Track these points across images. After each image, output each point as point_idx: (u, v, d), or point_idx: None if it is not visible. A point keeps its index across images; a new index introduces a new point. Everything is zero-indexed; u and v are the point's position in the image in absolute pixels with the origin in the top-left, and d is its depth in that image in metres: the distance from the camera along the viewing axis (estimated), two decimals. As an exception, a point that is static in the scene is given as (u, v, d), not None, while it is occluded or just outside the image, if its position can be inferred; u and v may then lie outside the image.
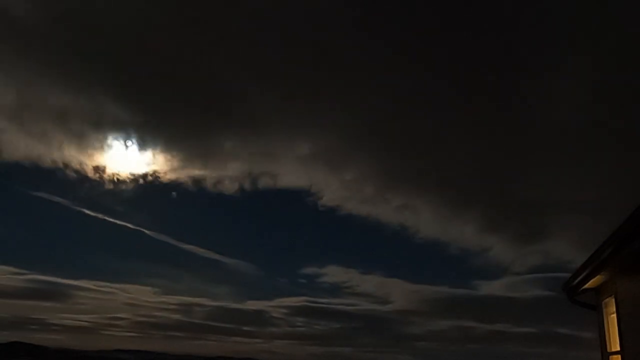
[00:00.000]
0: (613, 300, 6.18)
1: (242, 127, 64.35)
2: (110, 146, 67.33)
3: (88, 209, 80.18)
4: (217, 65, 52.88)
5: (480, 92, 46.39)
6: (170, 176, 72.11)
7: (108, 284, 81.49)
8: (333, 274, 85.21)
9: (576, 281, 6.52)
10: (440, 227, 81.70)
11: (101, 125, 68.00)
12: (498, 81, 43.24)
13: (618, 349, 6.08)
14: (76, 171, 69.20)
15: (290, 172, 74.64)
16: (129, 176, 70.74)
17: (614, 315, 6.17)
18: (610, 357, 6.66)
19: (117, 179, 71.36)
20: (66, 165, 68.11)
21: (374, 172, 70.23)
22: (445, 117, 53.31)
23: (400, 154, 63.52)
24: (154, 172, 70.75)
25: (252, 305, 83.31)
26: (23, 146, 67.63)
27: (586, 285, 6.62)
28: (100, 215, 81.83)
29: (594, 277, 6.06)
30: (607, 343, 6.78)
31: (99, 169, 69.45)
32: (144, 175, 71.30)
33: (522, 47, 42.10)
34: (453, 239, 78.30)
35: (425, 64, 46.47)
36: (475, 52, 44.48)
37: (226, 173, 75.25)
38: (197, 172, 73.43)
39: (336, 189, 75.58)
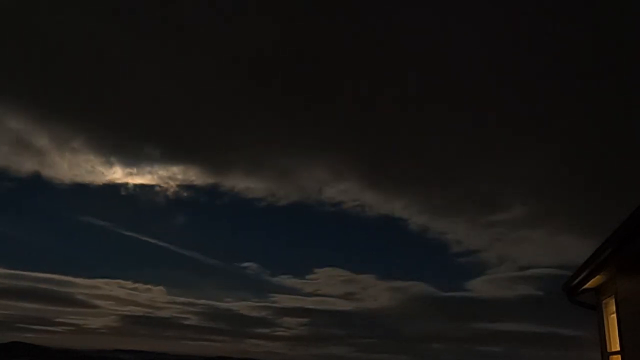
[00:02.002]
0: (613, 300, 6.18)
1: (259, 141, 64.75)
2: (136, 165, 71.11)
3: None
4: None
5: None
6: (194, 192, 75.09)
7: (110, 283, 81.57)
8: (332, 276, 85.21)
9: (576, 281, 6.51)
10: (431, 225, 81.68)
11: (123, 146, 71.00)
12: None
13: (618, 349, 6.08)
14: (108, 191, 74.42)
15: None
16: (156, 193, 74.23)
17: (614, 315, 6.16)
18: (610, 357, 6.66)
19: (145, 196, 75.45)
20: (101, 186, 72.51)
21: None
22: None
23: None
24: (179, 188, 74.34)
25: (253, 306, 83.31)
26: (67, 171, 71.30)
27: (586, 285, 6.62)
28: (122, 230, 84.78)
29: (594, 277, 6.06)
30: (607, 343, 6.78)
31: (127, 189, 74.16)
32: (170, 192, 75.02)
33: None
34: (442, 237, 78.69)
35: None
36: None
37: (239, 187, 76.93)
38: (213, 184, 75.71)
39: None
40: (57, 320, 79.53)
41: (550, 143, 47.31)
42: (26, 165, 76.12)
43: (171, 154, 77.45)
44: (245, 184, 77.12)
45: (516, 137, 50.19)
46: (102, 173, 77.13)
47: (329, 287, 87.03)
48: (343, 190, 75.71)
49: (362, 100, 52.59)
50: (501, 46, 39.90)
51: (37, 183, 79.63)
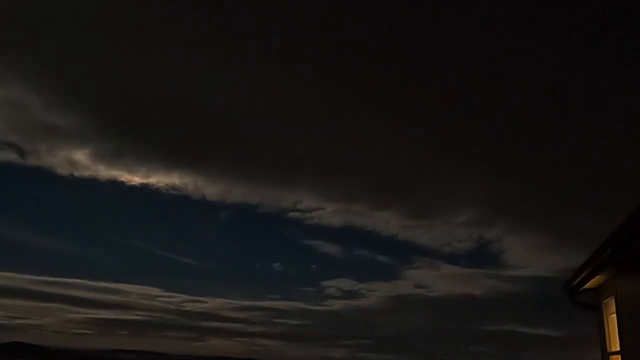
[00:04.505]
0: (613, 300, 6.18)
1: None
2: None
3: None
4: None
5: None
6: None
7: (111, 284, 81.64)
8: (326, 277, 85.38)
9: (576, 281, 6.51)
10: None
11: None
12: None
13: (618, 349, 6.08)
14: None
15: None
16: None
17: (614, 316, 6.17)
18: (610, 357, 6.66)
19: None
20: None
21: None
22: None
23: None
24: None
25: (252, 306, 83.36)
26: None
27: (586, 286, 6.61)
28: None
29: (594, 277, 6.05)
30: (607, 343, 6.78)
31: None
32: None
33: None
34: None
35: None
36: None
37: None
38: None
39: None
40: (58, 320, 79.52)
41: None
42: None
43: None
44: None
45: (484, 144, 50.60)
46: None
47: (326, 289, 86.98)
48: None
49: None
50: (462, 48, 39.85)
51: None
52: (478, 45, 38.63)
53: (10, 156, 73.11)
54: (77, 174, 74.58)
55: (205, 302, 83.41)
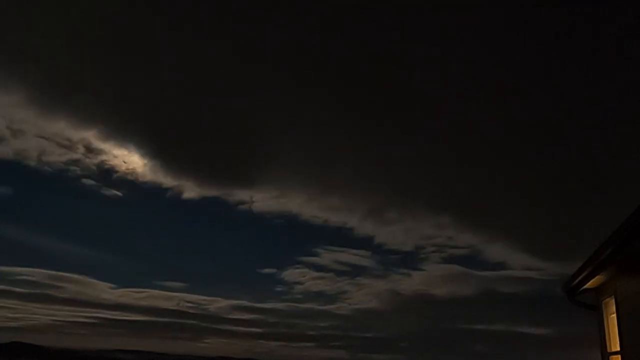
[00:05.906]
0: (613, 300, 6.18)
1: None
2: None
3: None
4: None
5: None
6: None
7: (111, 285, 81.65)
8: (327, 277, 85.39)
9: (576, 281, 6.51)
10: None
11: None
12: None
13: (618, 349, 6.09)
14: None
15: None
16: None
17: (614, 316, 6.17)
18: (610, 357, 6.66)
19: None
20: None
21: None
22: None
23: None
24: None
25: (252, 307, 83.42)
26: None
27: (586, 286, 6.62)
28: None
29: (594, 277, 6.06)
30: (607, 343, 6.78)
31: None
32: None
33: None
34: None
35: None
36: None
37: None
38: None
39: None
40: (58, 320, 79.55)
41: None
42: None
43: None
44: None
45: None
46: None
47: (326, 290, 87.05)
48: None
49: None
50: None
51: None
52: (476, 45, 38.75)
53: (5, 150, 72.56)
54: (79, 174, 74.61)
55: (206, 302, 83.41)
